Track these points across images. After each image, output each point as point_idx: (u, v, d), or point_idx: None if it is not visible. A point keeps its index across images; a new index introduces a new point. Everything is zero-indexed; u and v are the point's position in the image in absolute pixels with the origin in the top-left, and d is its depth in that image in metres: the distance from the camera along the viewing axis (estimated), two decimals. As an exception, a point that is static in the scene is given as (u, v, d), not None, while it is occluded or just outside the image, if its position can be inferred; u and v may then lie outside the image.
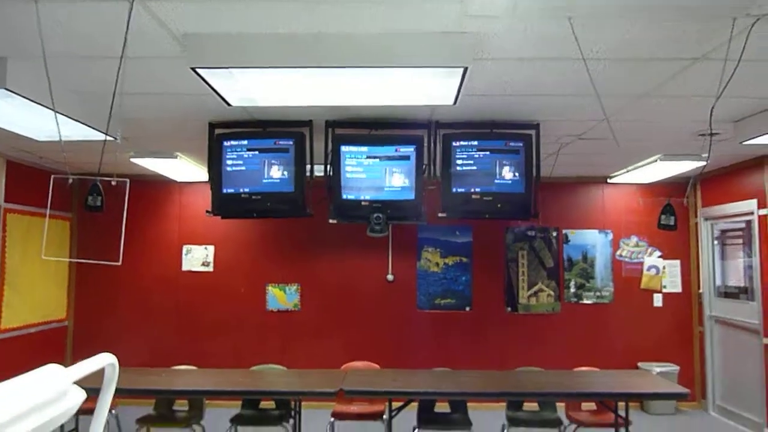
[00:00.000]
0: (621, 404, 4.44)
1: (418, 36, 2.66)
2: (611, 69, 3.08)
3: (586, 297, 6.82)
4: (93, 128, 3.65)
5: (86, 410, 1.01)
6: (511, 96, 3.66)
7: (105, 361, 0.83)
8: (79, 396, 0.77)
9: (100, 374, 0.88)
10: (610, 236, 6.88)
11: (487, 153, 4.23)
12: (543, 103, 3.82)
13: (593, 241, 6.87)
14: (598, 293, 6.82)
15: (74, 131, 3.73)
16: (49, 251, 6.07)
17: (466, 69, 2.80)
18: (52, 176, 4.45)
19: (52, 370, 0.73)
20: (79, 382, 0.83)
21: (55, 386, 0.71)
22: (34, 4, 2.33)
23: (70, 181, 3.23)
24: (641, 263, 6.84)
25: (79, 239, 6.82)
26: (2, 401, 0.62)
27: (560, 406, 4.82)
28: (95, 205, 3.85)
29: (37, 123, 3.61)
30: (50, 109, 3.22)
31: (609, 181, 6.71)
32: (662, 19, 2.48)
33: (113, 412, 4.85)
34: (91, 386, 0.89)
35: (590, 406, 4.85)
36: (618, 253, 6.87)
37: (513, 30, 2.60)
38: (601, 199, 6.93)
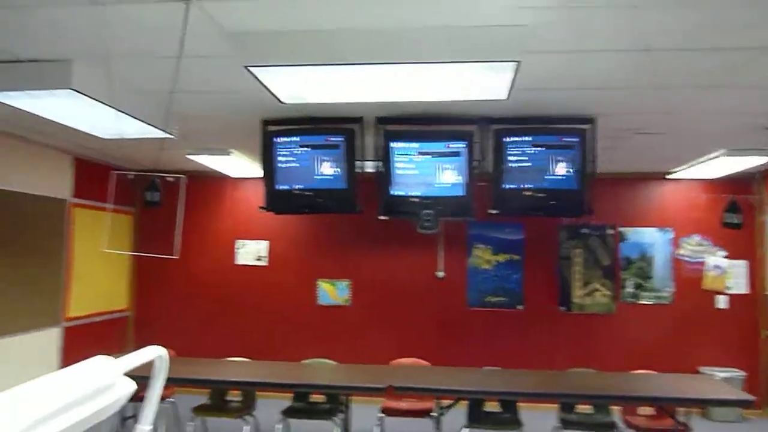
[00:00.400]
0: (680, 410, 4.27)
1: (468, 29, 2.62)
2: (673, 60, 2.95)
3: (643, 297, 6.59)
4: (152, 126, 3.77)
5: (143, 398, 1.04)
6: (565, 90, 3.56)
7: (154, 353, 0.85)
8: (129, 387, 0.79)
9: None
10: (670, 234, 6.61)
11: (541, 148, 4.13)
12: (599, 97, 3.70)
13: (652, 239, 6.62)
14: (656, 293, 6.57)
15: (135, 129, 3.87)
16: (112, 245, 6.34)
17: (518, 63, 2.75)
18: (113, 172, 4.63)
19: (101, 361, 0.75)
20: (136, 370, 0.86)
21: (103, 378, 0.74)
22: (97, 7, 2.42)
23: (131, 177, 3.35)
24: (703, 263, 6.55)
25: (140, 233, 7.09)
26: (52, 391, 0.64)
27: (615, 409, 4.67)
28: (153, 201, 3.99)
29: (100, 121, 3.76)
30: (113, 107, 3.36)
31: (669, 177, 6.45)
32: (730, 5, 2.35)
33: (171, 399, 5.02)
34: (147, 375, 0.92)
35: (647, 410, 4.68)
36: (678, 252, 6.60)
37: (568, 21, 2.53)
38: (661, 195, 6.66)
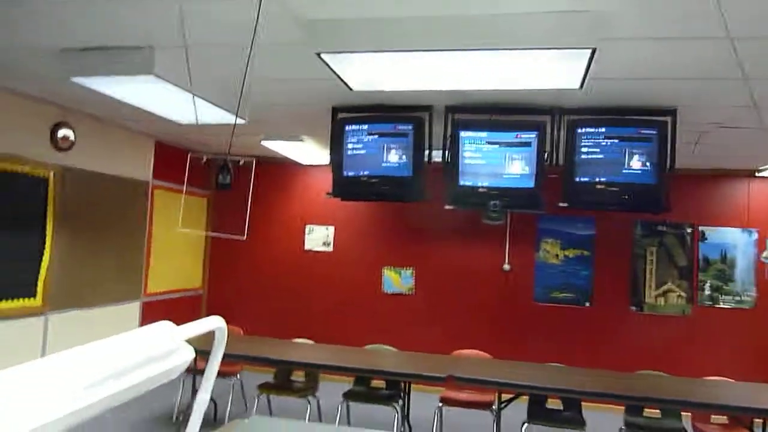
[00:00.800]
0: (758, 421, 4.03)
1: (540, 15, 2.55)
2: (762, 48, 2.76)
3: (723, 301, 6.24)
4: (226, 111, 3.91)
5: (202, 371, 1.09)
6: (643, 80, 3.41)
7: (214, 324, 0.89)
8: (189, 354, 0.83)
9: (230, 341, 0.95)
10: (755, 236, 6.22)
11: (616, 141, 3.98)
12: (680, 88, 3.51)
13: (734, 240, 6.25)
14: (737, 297, 6.21)
15: (210, 115, 4.02)
16: (186, 225, 6.63)
17: (593, 51, 2.65)
18: (189, 155, 4.83)
19: (164, 327, 0.79)
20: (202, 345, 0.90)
21: (166, 342, 0.78)
22: (178, -5, 2.53)
23: (204, 160, 3.49)
24: (791, 267, 6.12)
25: (214, 214, 7.38)
26: (113, 353, 0.69)
27: (685, 415, 4.47)
28: (225, 183, 4.14)
29: (179, 107, 3.93)
30: (191, 93, 3.50)
31: (757, 174, 6.05)
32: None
33: (238, 376, 5.23)
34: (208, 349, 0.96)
35: (721, 419, 4.45)
36: (763, 255, 6.19)
37: (646, 5, 2.41)
38: (746, 194, 6.27)
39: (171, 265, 6.74)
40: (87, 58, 3.31)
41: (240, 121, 3.74)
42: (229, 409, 5.11)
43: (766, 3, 2.31)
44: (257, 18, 2.57)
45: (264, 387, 4.91)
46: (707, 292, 6.27)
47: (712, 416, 4.44)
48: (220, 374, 1.17)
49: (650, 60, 3.07)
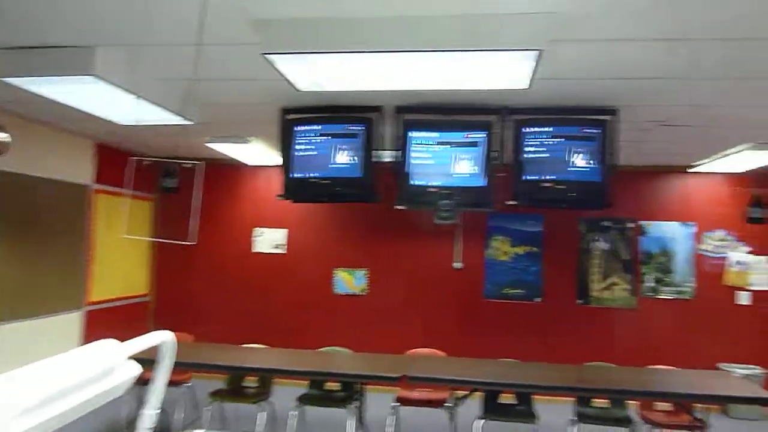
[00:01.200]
0: (698, 406, 4.21)
1: (492, 17, 2.58)
2: (702, 50, 2.88)
3: (664, 292, 6.50)
4: (171, 112, 3.80)
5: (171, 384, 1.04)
6: (588, 80, 3.50)
7: (160, 338, 0.85)
8: (134, 370, 0.79)
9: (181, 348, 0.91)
10: (693, 229, 6.50)
11: (561, 140, 4.08)
12: (622, 87, 3.63)
13: (673, 233, 6.52)
14: (677, 288, 6.48)
15: (155, 115, 3.89)
16: (131, 230, 6.42)
17: (540, 51, 2.70)
18: (130, 158, 4.67)
19: (107, 344, 0.75)
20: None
21: (107, 361, 0.74)
22: (117, -8, 2.43)
23: (148, 163, 3.38)
24: (726, 258, 6.43)
25: (159, 219, 7.17)
26: (55, 373, 0.65)
27: (631, 404, 4.63)
28: (170, 187, 4.01)
29: (121, 108, 3.79)
30: (134, 94, 3.39)
31: (693, 170, 6.33)
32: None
33: (188, 384, 5.09)
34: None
35: (665, 406, 4.62)
36: (700, 247, 6.48)
37: (593, 8, 2.47)
38: (684, 189, 6.55)
39: (115, 272, 6.51)
40: (22, 57, 3.15)
41: (186, 122, 3.64)
42: (179, 418, 4.98)
43: (699, 7, 2.40)
44: (203, 16, 2.50)
45: (216, 394, 4.80)
46: (649, 284, 6.52)
47: (657, 403, 4.61)
48: (170, 383, 1.13)
49: (593, 61, 3.15)
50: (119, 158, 6.23)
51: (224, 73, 3.56)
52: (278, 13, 2.64)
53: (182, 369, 4.73)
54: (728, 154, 5.29)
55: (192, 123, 3.87)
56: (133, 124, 4.21)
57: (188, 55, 2.99)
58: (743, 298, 6.40)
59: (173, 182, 4.06)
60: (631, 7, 2.42)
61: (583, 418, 4.48)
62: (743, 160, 5.32)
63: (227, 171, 6.99)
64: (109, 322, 6.30)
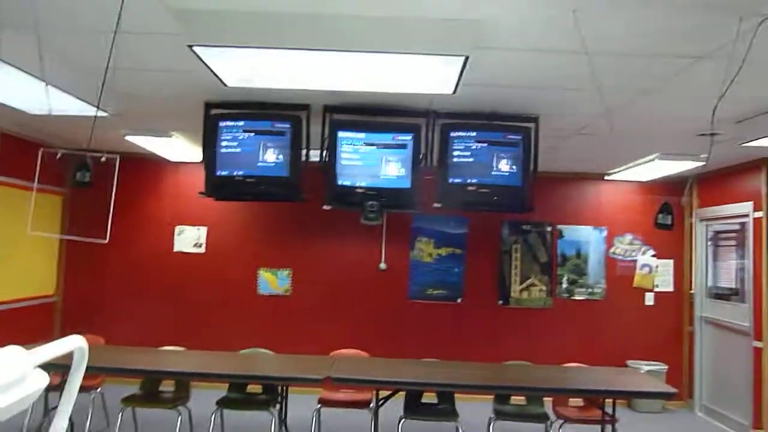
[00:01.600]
0: (608, 401, 4.44)
1: (420, 21, 2.61)
2: (615, 63, 3.04)
3: (577, 293, 6.82)
4: (85, 102, 3.58)
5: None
6: (511, 88, 3.61)
7: (72, 344, 0.79)
8: (42, 381, 0.73)
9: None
10: (605, 233, 6.86)
11: (485, 144, 4.18)
12: (543, 96, 3.77)
13: (587, 237, 6.85)
14: (590, 290, 6.82)
15: (67, 105, 3.67)
16: (39, 226, 6.00)
17: (467, 58, 2.75)
18: (41, 150, 4.37)
19: (12, 352, 0.69)
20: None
21: (14, 370, 0.67)
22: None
23: (59, 155, 3.17)
24: (635, 261, 6.84)
25: (70, 215, 6.76)
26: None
27: (547, 400, 4.82)
28: (83, 181, 3.78)
29: (28, 95, 3.55)
30: (42, 80, 3.17)
31: (606, 178, 6.68)
32: (670, 13, 2.43)
33: (99, 390, 4.83)
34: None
35: (578, 402, 4.85)
36: (612, 250, 6.86)
37: (516, 19, 2.55)
38: (598, 195, 6.90)
39: (18, 271, 6.06)
40: None
41: (101, 113, 3.45)
42: (88, 425, 4.70)
43: (615, 22, 2.53)
44: (122, 2, 2.37)
45: (128, 400, 4.57)
46: (564, 285, 6.82)
47: (570, 399, 4.82)
48: (79, 388, 1.05)
49: (518, 69, 3.25)
50: (27, 149, 5.81)
51: (144, 64, 3.40)
52: (203, 5, 2.54)
53: (93, 373, 4.48)
54: (639, 164, 5.62)
55: (107, 115, 3.67)
56: (42, 113, 3.94)
57: (105, 43, 2.83)
58: (649, 299, 6.82)
59: (87, 176, 3.82)
60: (551, 19, 2.52)
61: (502, 415, 4.62)
62: (652, 169, 5.67)
63: (147, 166, 6.70)
64: (10, 323, 5.86)
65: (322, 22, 2.63)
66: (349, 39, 2.69)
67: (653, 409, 6.47)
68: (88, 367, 0.86)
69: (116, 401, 4.54)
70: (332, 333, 6.46)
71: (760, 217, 5.54)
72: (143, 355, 4.67)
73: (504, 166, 4.16)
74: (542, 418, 4.58)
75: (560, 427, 4.63)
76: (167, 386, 4.82)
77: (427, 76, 3.16)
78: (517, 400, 4.85)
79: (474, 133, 4.19)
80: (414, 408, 4.64)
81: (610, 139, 4.67)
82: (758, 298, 5.53)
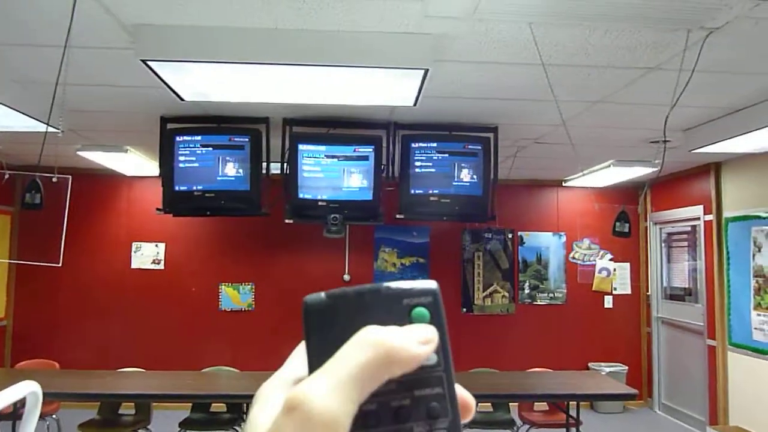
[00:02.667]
0: (572, 404, 4.51)
1: (379, 35, 2.62)
2: (569, 75, 3.11)
3: (539, 298, 6.92)
4: (34, 119, 3.46)
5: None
6: (470, 99, 3.65)
7: (26, 389, 0.75)
8: None
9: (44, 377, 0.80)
10: (564, 239, 7.00)
11: (446, 155, 4.21)
12: (502, 107, 3.83)
13: (547, 243, 6.97)
14: (551, 294, 6.93)
15: (14, 122, 3.53)
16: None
17: (427, 71, 2.77)
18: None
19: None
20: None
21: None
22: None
23: (6, 176, 3.04)
24: (593, 265, 6.99)
25: (20, 236, 6.49)
26: None
27: (513, 406, 4.86)
28: (34, 203, 3.63)
29: (-27, 112, 3.40)
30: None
31: (564, 184, 6.82)
32: (620, 29, 2.50)
33: (54, 416, 4.64)
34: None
35: (543, 406, 4.91)
36: (571, 255, 6.99)
37: (473, 32, 2.58)
38: (556, 202, 7.03)
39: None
40: None
41: (52, 130, 3.33)
42: (43, 454, 4.51)
43: (571, 37, 2.59)
44: (72, 17, 2.30)
45: (86, 425, 4.40)
46: (526, 291, 6.91)
47: (535, 404, 4.88)
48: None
49: (477, 81, 3.29)
50: (-30, 167, 5.57)
51: (98, 79, 3.31)
52: (155, 20, 2.49)
53: (48, 399, 4.29)
54: (595, 170, 5.75)
55: (58, 132, 3.54)
56: (-11, 130, 3.79)
57: (55, 59, 2.74)
58: (608, 302, 6.98)
59: (37, 197, 3.67)
60: (508, 32, 2.56)
61: (469, 423, 4.62)
62: (608, 175, 5.81)
63: (102, 182, 6.50)
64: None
65: (279, 35, 2.61)
66: (307, 52, 2.67)
67: (614, 410, 6.60)
68: (43, 393, 0.82)
69: (73, 428, 4.37)
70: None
71: (710, 220, 5.74)
72: (100, 378, 4.51)
73: (465, 175, 4.20)
74: (509, 424, 4.62)
75: (527, 432, 4.68)
76: (127, 409, 4.67)
77: (387, 89, 3.17)
78: (484, 407, 4.88)
79: (434, 144, 4.22)
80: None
81: (567, 147, 4.76)
82: (711, 298, 5.72)
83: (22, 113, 3.37)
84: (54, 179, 3.25)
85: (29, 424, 0.79)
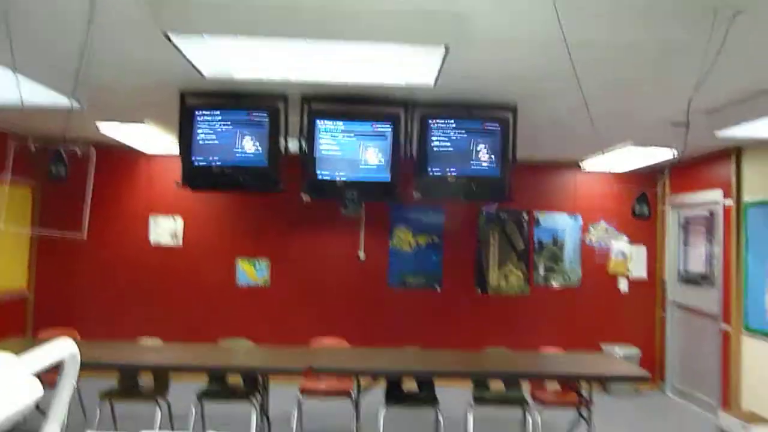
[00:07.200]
0: (585, 385, 4.52)
1: (400, 12, 2.60)
2: (592, 54, 3.06)
3: (554, 280, 6.91)
4: (58, 92, 3.49)
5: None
6: (490, 78, 3.62)
7: (65, 351, 0.77)
8: (36, 391, 0.71)
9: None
10: (580, 221, 6.96)
11: (464, 134, 4.19)
12: (521, 86, 3.79)
13: (563, 224, 6.94)
14: (566, 276, 6.92)
15: (38, 96, 3.57)
16: (8, 219, 5.85)
17: (447, 49, 2.75)
18: (12, 143, 4.25)
19: (4, 362, 0.67)
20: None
21: (9, 380, 0.66)
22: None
23: (33, 148, 3.09)
24: (609, 248, 6.95)
25: (42, 209, 6.59)
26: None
27: (526, 386, 4.89)
28: (59, 175, 3.68)
29: (-2, 85, 3.43)
30: (12, 69, 3.07)
31: (582, 166, 6.75)
32: (646, 6, 2.46)
33: (75, 385, 4.75)
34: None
35: (555, 386, 4.93)
36: (587, 237, 6.96)
37: (496, 10, 2.55)
38: (574, 183, 6.98)
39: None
40: None
41: (76, 104, 3.36)
42: (66, 421, 4.64)
43: (596, 13, 2.55)
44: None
45: (106, 394, 4.52)
46: (541, 272, 6.91)
47: (548, 384, 4.90)
48: (54, 384, 1.00)
49: (497, 60, 3.26)
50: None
51: (120, 53, 3.33)
52: (181, -7, 2.50)
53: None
54: (614, 149, 5.68)
55: (81, 106, 3.58)
56: (11, 103, 3.83)
57: (79, 32, 2.76)
58: (623, 285, 6.96)
59: (62, 169, 3.71)
60: (531, 11, 2.53)
61: (480, 401, 4.68)
62: (626, 157, 5.74)
63: (121, 158, 6.56)
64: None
65: (301, 11, 2.61)
66: (328, 29, 2.67)
67: (626, 392, 6.61)
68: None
69: (93, 396, 4.49)
70: (312, 323, 6.46)
71: (730, 205, 5.67)
72: (120, 349, 4.61)
73: (483, 155, 4.18)
74: (520, 402, 4.66)
75: (538, 411, 4.71)
76: (146, 379, 4.77)
77: (407, 67, 3.15)
78: (497, 386, 4.91)
79: (453, 122, 4.19)
80: (395, 396, 4.67)
81: (587, 128, 4.71)
82: (727, 283, 5.68)
83: (46, 86, 3.40)
84: (78, 151, 3.29)
85: (67, 386, 0.82)
